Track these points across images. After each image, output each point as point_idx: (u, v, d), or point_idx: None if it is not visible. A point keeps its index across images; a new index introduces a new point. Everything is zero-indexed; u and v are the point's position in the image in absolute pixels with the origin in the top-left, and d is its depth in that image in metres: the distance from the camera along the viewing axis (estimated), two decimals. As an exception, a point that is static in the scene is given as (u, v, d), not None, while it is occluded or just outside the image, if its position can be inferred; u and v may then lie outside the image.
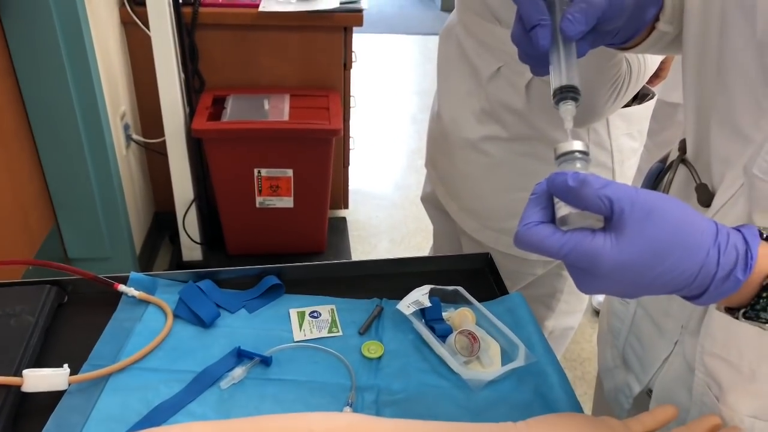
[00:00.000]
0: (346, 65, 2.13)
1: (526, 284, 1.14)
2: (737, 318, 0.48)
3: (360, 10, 1.99)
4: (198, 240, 2.12)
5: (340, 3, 1.97)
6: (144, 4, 1.77)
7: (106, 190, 1.88)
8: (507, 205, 1.04)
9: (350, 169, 2.43)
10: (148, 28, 1.80)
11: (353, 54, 2.16)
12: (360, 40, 2.12)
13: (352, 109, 2.25)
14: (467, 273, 0.90)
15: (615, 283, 0.45)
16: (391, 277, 0.88)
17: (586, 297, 1.23)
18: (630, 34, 0.61)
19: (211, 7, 1.98)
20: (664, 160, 0.75)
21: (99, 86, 1.75)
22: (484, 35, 0.99)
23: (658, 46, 0.65)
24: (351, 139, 2.39)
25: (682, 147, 0.66)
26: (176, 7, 1.84)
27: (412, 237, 2.50)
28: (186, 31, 1.95)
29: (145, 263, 2.18)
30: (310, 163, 2.00)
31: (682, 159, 0.65)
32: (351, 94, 2.21)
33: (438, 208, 1.29)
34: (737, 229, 0.46)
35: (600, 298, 2.14)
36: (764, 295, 0.46)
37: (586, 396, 1.85)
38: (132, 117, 2.08)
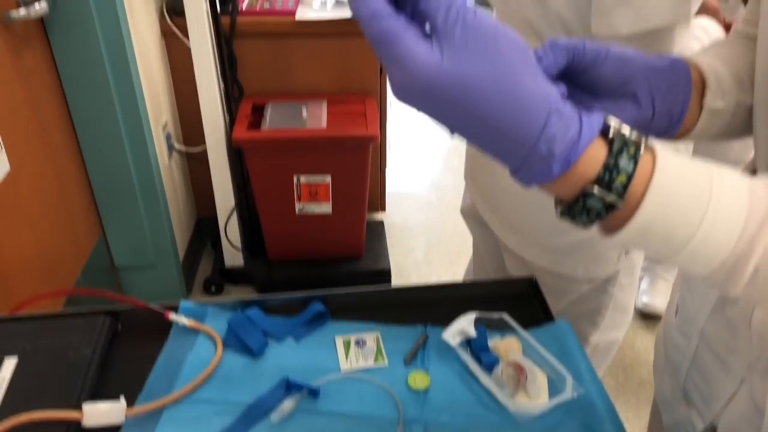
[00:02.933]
0: (382, 70, 2.13)
1: (570, 300, 1.14)
2: (556, 213, 0.45)
3: (396, 16, 1.98)
4: (239, 246, 2.15)
5: (376, 9, 1.97)
6: (183, 16, 1.80)
7: (150, 199, 1.92)
8: (550, 221, 1.02)
9: (386, 170, 2.44)
10: (188, 39, 1.83)
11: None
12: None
13: (387, 111, 2.26)
14: (512, 297, 0.89)
15: (423, 101, 0.41)
16: (435, 302, 0.88)
17: (631, 311, 1.21)
18: (668, 121, 0.58)
19: (248, 15, 2.00)
20: None
21: (141, 99, 1.78)
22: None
23: (717, 128, 0.61)
24: (388, 142, 2.40)
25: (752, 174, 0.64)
26: (215, 17, 1.87)
27: (449, 240, 2.49)
28: (224, 40, 1.97)
29: (188, 270, 2.22)
30: (348, 168, 2.01)
31: None
32: (387, 98, 2.21)
33: (478, 221, 1.28)
34: (581, 114, 0.42)
35: (645, 299, 2.10)
36: (580, 202, 0.43)
37: (629, 404, 1.83)
38: (173, 126, 2.11)
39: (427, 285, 0.90)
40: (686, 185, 0.42)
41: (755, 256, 0.42)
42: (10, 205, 1.43)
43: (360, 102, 2.10)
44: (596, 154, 0.42)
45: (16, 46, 1.46)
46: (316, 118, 2.00)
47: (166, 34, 2.01)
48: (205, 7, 1.79)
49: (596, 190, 0.42)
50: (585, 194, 0.42)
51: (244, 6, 2.03)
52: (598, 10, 0.82)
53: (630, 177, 0.42)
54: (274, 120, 2.00)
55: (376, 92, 2.16)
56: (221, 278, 2.21)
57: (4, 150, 1.38)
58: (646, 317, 2.11)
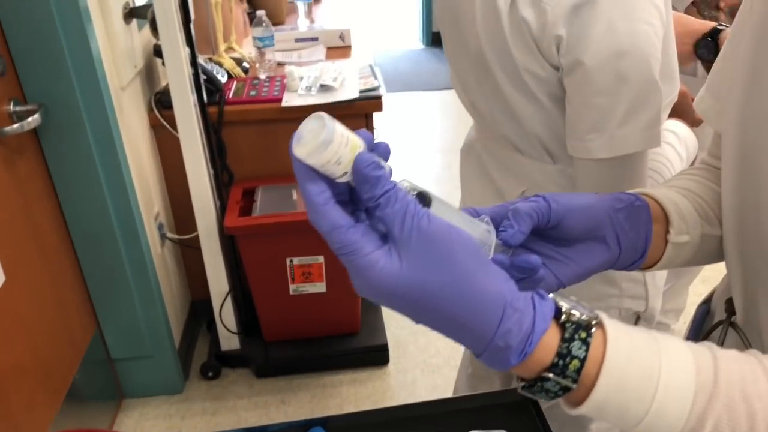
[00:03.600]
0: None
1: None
2: (518, 387, 0.48)
3: (379, 97, 2.04)
4: (234, 330, 2.15)
5: (360, 92, 2.02)
6: (171, 108, 1.84)
7: (144, 290, 1.92)
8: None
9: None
10: (176, 131, 1.87)
11: (374, 131, 2.21)
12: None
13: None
14: (510, 407, 0.90)
15: (387, 302, 0.44)
16: (435, 418, 0.89)
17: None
18: (634, 255, 0.60)
19: (235, 104, 2.04)
20: (708, 300, 0.74)
21: (133, 193, 1.81)
22: (505, 160, 1.01)
23: (684, 258, 0.64)
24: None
25: (730, 308, 0.65)
26: (202, 108, 1.91)
27: (445, 307, 2.50)
28: (213, 129, 2.01)
29: (185, 354, 2.21)
30: (340, 248, 2.03)
31: (730, 322, 0.65)
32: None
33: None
34: (535, 303, 0.44)
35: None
36: (538, 384, 0.45)
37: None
38: (165, 215, 2.14)
39: (426, 402, 0.91)
40: (636, 365, 0.44)
41: (706, 430, 0.44)
42: (6, 314, 1.43)
43: (348, 180, 2.13)
44: (550, 342, 0.44)
45: (9, 158, 1.49)
46: (306, 200, 2.03)
47: (155, 126, 2.05)
48: (192, 99, 1.84)
49: (552, 375, 0.45)
50: (542, 378, 0.45)
51: (230, 95, 2.08)
52: (573, 136, 0.85)
53: (582, 362, 0.44)
54: (264, 204, 2.02)
55: (363, 169, 2.19)
56: (218, 362, 2.20)
57: (-1, 262, 1.39)
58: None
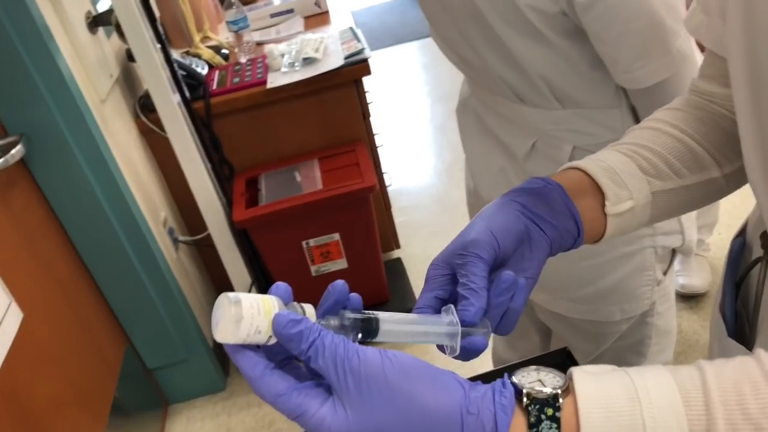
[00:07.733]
0: (365, 115, 2.10)
1: (612, 340, 1.10)
2: None
3: (365, 60, 1.96)
4: (265, 320, 2.13)
5: (344, 58, 1.94)
6: (156, 111, 1.79)
7: (165, 297, 1.91)
8: (575, 274, 1.00)
9: (391, 200, 2.41)
10: (165, 132, 1.81)
11: (366, 94, 2.14)
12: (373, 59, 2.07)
13: (379, 148, 2.23)
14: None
15: None
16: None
17: (674, 331, 1.17)
18: (570, 236, 0.58)
19: (221, 95, 1.98)
20: (742, 232, 0.69)
21: (134, 203, 1.77)
22: (507, 113, 0.94)
23: (639, 220, 0.60)
24: (385, 175, 2.38)
25: (766, 243, 0.60)
26: (187, 105, 1.86)
27: (470, 259, 2.45)
28: (202, 123, 1.95)
29: (222, 352, 2.21)
30: (354, 221, 1.99)
31: None
32: (376, 143, 2.19)
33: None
34: (495, 394, 0.42)
35: (682, 280, 2.06)
36: None
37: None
38: (174, 219, 2.10)
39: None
40: (616, 422, 0.40)
41: None
42: (31, 349, 1.42)
43: (351, 151, 2.07)
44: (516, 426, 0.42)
45: (1, 194, 1.45)
46: (310, 180, 1.98)
47: (144, 131, 2.00)
48: (174, 98, 1.78)
49: None
50: None
51: (214, 86, 2.01)
52: (619, 69, 0.80)
53: None
54: (270, 192, 1.98)
55: (363, 137, 2.13)
56: (255, 354, 2.20)
57: (13, 300, 1.37)
58: (687, 298, 2.06)
